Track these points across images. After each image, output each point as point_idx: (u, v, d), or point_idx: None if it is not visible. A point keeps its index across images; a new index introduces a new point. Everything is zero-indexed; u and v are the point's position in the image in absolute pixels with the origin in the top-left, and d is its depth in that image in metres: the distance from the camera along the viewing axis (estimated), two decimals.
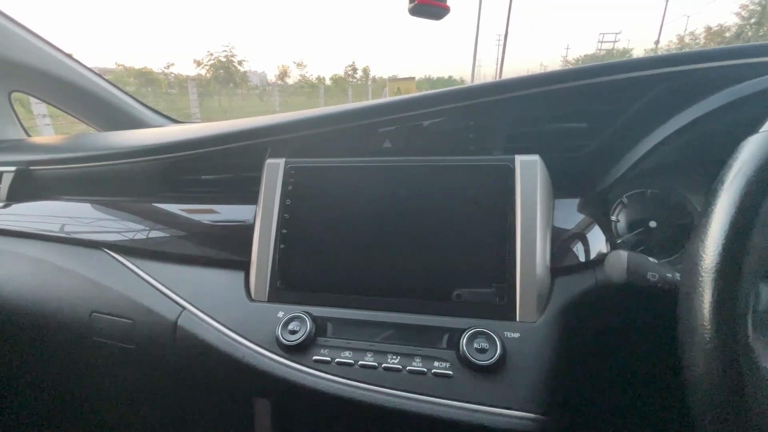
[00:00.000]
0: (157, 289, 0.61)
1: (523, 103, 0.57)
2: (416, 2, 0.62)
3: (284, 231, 0.57)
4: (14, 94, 1.08)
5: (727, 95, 0.50)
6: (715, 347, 0.28)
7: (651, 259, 0.44)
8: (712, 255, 0.29)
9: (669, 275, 0.41)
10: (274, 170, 0.60)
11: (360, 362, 0.48)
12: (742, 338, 0.27)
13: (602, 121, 0.56)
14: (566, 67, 0.55)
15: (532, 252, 0.50)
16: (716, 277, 0.28)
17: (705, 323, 0.28)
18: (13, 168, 0.77)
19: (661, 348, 0.50)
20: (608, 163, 0.57)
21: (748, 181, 0.29)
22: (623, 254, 0.44)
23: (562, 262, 0.52)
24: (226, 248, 0.63)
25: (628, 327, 0.50)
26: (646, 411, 0.56)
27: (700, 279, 0.29)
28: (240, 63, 18.60)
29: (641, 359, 0.51)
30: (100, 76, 1.12)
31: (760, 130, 0.31)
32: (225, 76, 18.09)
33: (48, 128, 4.17)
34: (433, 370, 0.47)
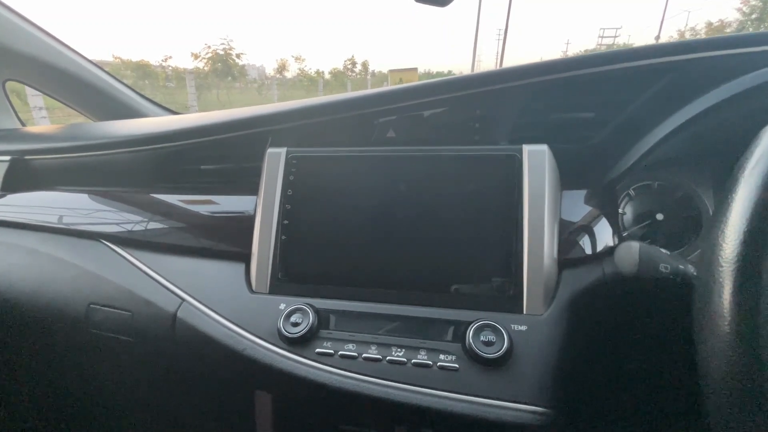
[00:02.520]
0: (156, 280, 0.60)
1: (528, 93, 0.55)
2: None
3: (285, 222, 0.56)
4: (10, 85, 1.06)
5: (738, 85, 0.49)
6: (735, 339, 0.27)
7: (663, 250, 0.43)
8: (733, 244, 0.28)
9: (682, 267, 0.40)
10: (276, 160, 0.58)
11: (364, 355, 0.48)
12: (763, 330, 0.26)
13: (610, 111, 0.55)
14: (576, 56, 0.54)
15: (539, 244, 0.49)
16: (737, 267, 0.27)
17: (725, 314, 0.27)
18: (7, 158, 0.76)
19: (672, 340, 0.50)
20: (616, 154, 0.56)
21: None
22: (635, 245, 0.43)
23: (569, 254, 0.51)
24: (227, 239, 0.61)
25: (637, 319, 0.49)
26: (656, 404, 0.55)
27: (720, 269, 0.28)
28: (238, 56, 18.45)
29: (650, 352, 0.51)
30: (97, 65, 1.10)
31: None
32: (223, 69, 17.94)
33: (45, 121, 4.13)
34: (438, 363, 0.46)
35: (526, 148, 0.52)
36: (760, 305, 0.26)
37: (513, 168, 0.51)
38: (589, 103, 0.56)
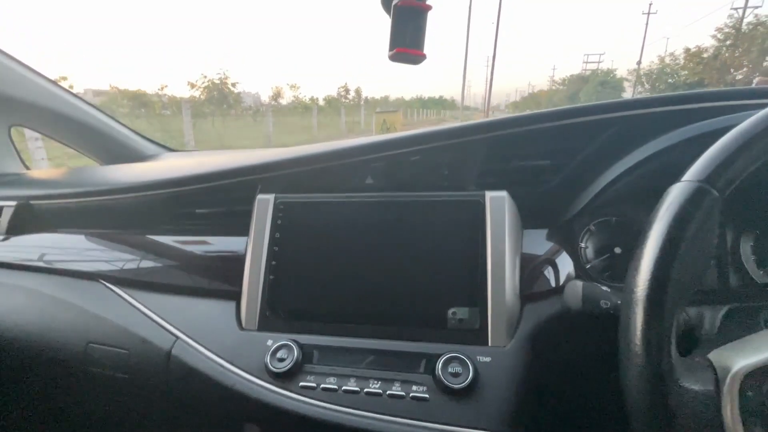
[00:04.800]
0: (152, 319, 0.63)
1: (491, 144, 0.62)
2: (395, 51, 0.68)
3: (273, 263, 0.61)
4: None
5: (674, 137, 0.56)
6: (644, 369, 0.32)
7: (604, 288, 0.48)
8: (641, 289, 0.33)
9: (620, 302, 0.45)
10: (265, 205, 0.64)
11: (344, 387, 0.51)
12: (666, 361, 0.32)
13: (564, 158, 0.62)
14: (532, 112, 0.61)
15: (501, 280, 0.54)
16: (644, 308, 0.32)
17: (636, 349, 0.32)
18: (13, 203, 0.80)
19: (614, 371, 0.54)
20: (571, 195, 0.62)
21: (667, 226, 0.34)
22: (578, 284, 0.48)
23: (531, 290, 0.56)
24: (218, 279, 0.66)
25: (590, 351, 0.54)
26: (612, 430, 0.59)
27: (632, 309, 0.33)
28: (234, 85, 18.89)
29: (603, 382, 0.55)
30: (96, 107, 1.16)
31: (681, 179, 0.36)
32: (219, 97, 18.31)
33: (40, 151, 4.19)
34: (411, 394, 0.50)
35: (488, 194, 0.58)
36: (662, 338, 0.32)
37: (477, 212, 0.57)
38: (545, 152, 0.63)
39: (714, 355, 0.33)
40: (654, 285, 0.32)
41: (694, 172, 0.35)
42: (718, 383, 0.31)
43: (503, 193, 0.58)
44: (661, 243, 0.33)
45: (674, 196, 0.35)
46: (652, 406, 0.31)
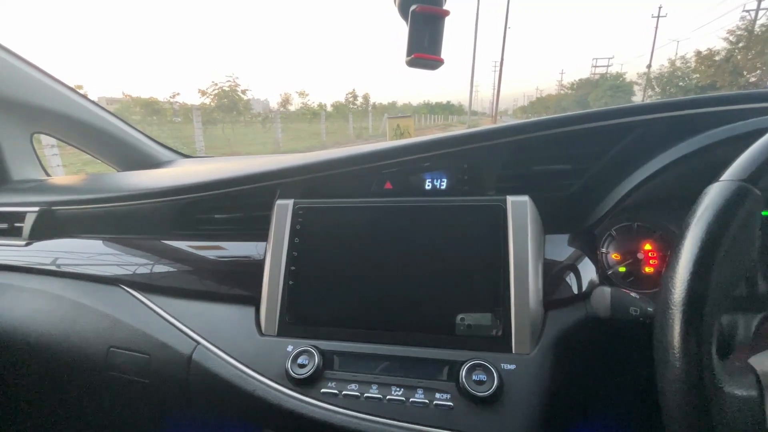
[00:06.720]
0: (173, 324, 0.64)
1: (512, 148, 0.61)
2: (413, 56, 0.68)
3: (293, 268, 0.61)
4: None
5: (700, 140, 0.55)
6: (685, 375, 0.31)
7: (633, 294, 0.47)
8: (680, 291, 0.32)
9: (650, 309, 0.44)
10: (284, 210, 0.64)
11: (366, 394, 0.51)
12: (707, 366, 0.31)
13: (585, 162, 0.61)
14: (553, 116, 0.60)
15: (525, 286, 0.53)
16: (684, 311, 0.32)
17: (675, 353, 0.31)
18: (36, 208, 0.82)
19: (645, 378, 0.53)
20: (593, 200, 0.62)
21: (708, 226, 0.33)
22: (606, 290, 0.47)
23: (554, 296, 0.56)
24: (238, 284, 0.66)
25: (617, 358, 0.53)
26: None
27: (670, 312, 0.32)
28: (243, 92, 19.06)
29: (630, 389, 0.54)
30: (114, 115, 1.19)
31: (720, 179, 0.36)
32: (229, 104, 18.49)
33: (56, 158, 4.30)
34: (434, 402, 0.49)
35: (510, 199, 0.57)
36: (702, 343, 0.31)
37: (498, 217, 0.57)
38: (567, 157, 0.62)
39: (755, 360, 0.32)
40: (694, 288, 0.31)
41: (734, 171, 0.35)
42: (761, 388, 0.30)
43: (525, 198, 0.57)
44: (701, 244, 0.32)
45: (713, 195, 0.34)
46: (692, 412, 0.30)
